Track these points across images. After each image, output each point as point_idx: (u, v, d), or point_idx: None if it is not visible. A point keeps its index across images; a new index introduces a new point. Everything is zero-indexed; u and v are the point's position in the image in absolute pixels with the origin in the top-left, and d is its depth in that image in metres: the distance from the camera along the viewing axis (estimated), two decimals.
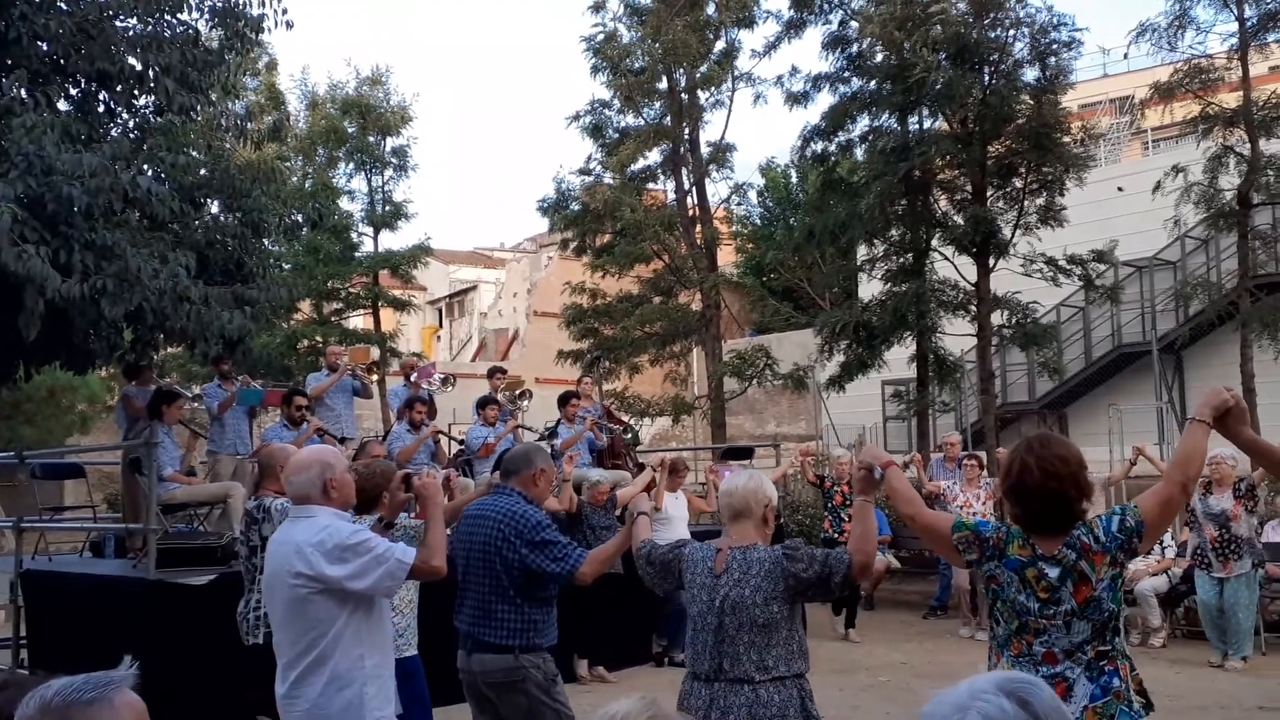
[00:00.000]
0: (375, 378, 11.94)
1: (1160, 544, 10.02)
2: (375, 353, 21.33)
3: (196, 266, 8.64)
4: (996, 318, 14.74)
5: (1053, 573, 2.91)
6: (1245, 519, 8.69)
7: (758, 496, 3.55)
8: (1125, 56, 20.91)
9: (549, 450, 9.84)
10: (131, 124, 10.70)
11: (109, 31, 9.91)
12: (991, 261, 14.37)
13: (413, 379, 10.94)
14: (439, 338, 43.17)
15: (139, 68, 10.06)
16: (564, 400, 10.68)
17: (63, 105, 10.01)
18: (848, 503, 10.40)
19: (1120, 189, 19.78)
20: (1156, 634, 9.53)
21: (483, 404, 10.47)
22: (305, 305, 21.66)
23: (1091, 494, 3.05)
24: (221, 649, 5.51)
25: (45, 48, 9.57)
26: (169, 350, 12.44)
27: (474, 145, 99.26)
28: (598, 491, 8.83)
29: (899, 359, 15.96)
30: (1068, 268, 14.61)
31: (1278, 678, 8.33)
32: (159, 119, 10.49)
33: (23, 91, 8.85)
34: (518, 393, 11.12)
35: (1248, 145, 13.97)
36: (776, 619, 3.37)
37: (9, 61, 9.52)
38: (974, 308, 14.54)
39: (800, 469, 11.32)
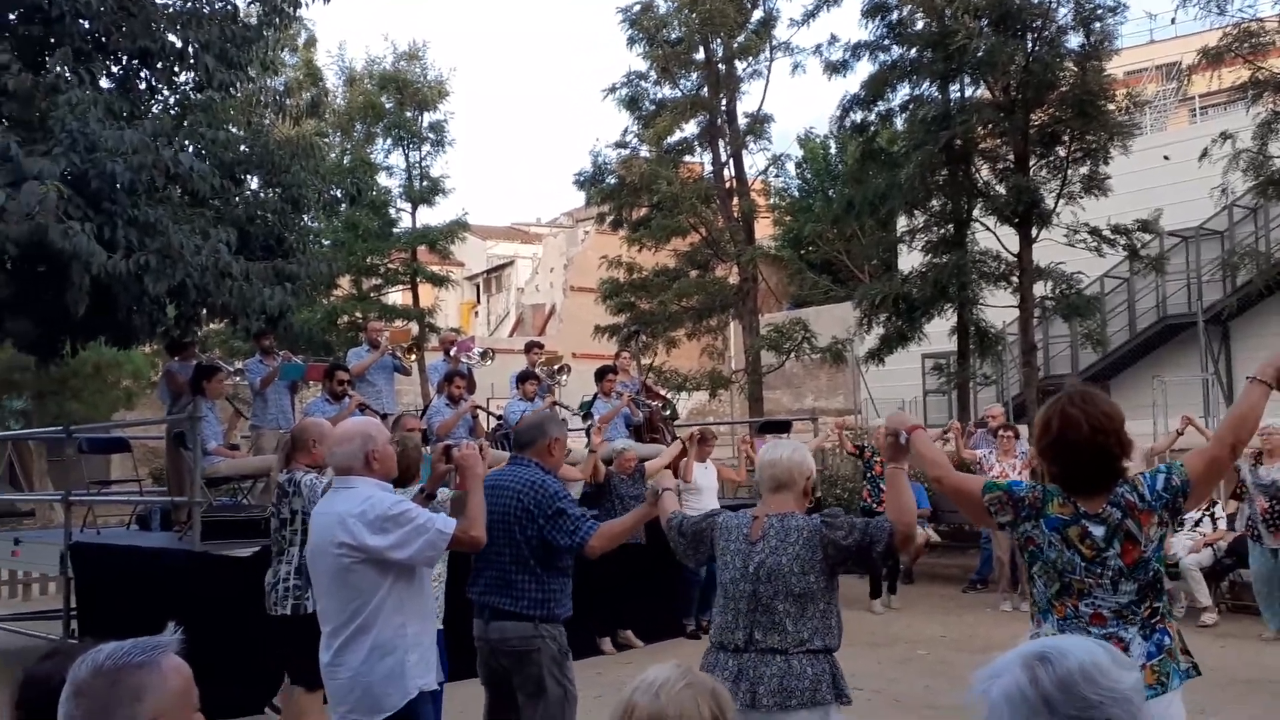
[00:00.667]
0: (414, 358, 12.00)
1: (1211, 516, 9.87)
2: (415, 329, 21.45)
3: (237, 242, 8.72)
4: (1039, 289, 14.55)
5: (1098, 531, 2.83)
6: None
7: (802, 469, 3.51)
8: (1173, 21, 20.41)
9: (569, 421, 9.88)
10: (172, 101, 10.81)
11: (149, 9, 10.00)
12: (1034, 232, 14.18)
13: (452, 353, 10.99)
14: (476, 313, 43.32)
15: (179, 45, 10.15)
16: (601, 375, 10.69)
17: (104, 83, 10.12)
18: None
19: (1166, 158, 19.39)
20: (1207, 612, 9.28)
21: (522, 379, 10.50)
22: (344, 281, 21.80)
23: (1132, 451, 2.95)
24: (265, 619, 5.58)
25: (87, 25, 9.66)
26: (211, 326, 12.59)
27: (510, 119, 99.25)
28: (624, 459, 8.84)
29: (939, 331, 15.81)
30: (1112, 238, 14.38)
31: None
32: (199, 95, 10.58)
33: (66, 70, 8.92)
34: (556, 368, 11.13)
35: None
36: (814, 589, 3.30)
37: (52, 40, 9.62)
38: (1016, 279, 14.36)
39: (838, 442, 11.27)
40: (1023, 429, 11.89)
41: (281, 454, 5.78)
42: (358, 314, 21.26)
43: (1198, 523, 9.86)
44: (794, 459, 3.52)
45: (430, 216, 23.59)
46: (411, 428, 6.74)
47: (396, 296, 24.71)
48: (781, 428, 11.99)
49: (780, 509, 3.45)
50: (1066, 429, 2.88)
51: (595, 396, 10.65)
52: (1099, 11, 13.59)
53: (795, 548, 3.32)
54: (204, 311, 9.52)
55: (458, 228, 23.18)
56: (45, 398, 17.83)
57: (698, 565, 3.73)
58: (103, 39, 10.11)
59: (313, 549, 3.70)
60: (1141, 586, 2.84)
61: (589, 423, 10.66)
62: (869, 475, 10.90)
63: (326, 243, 19.00)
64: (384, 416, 9.88)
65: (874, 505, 10.40)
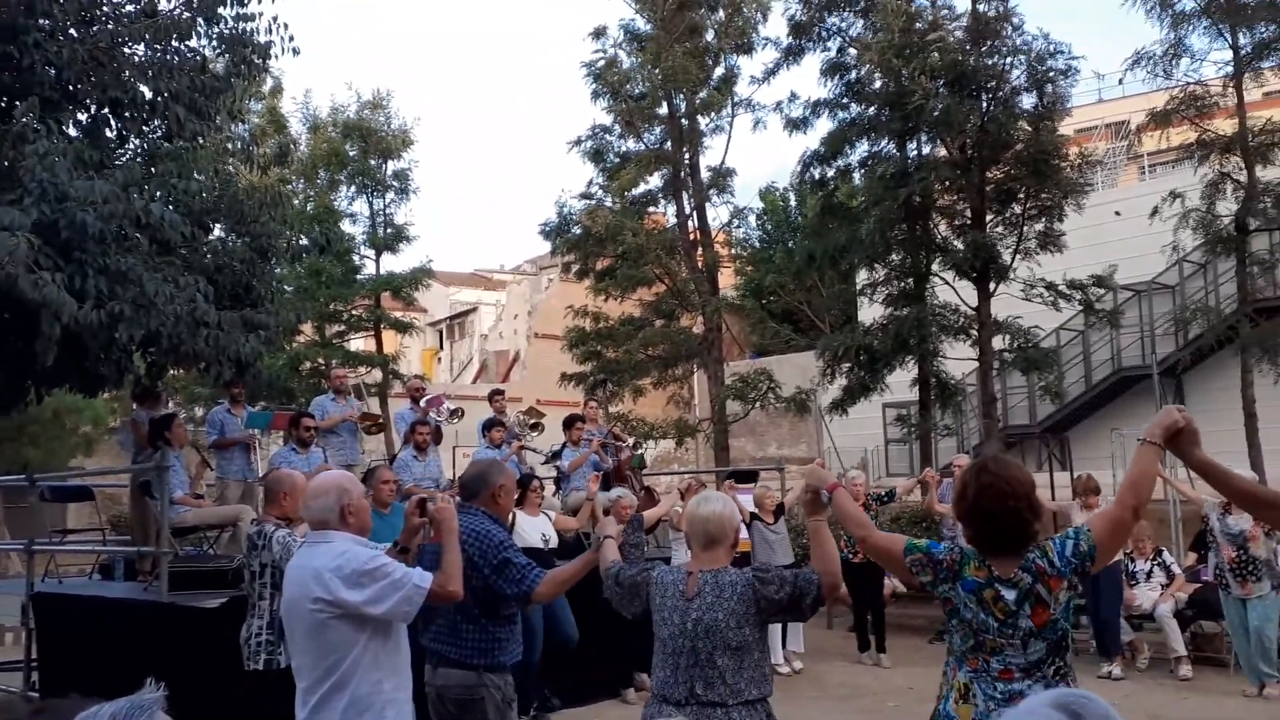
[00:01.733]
0: (378, 419, 12.02)
1: (1163, 565, 10.06)
2: (373, 406, 21.35)
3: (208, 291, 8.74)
4: (998, 342, 14.84)
5: (1010, 595, 2.94)
6: (1264, 541, 8.66)
7: (732, 522, 3.63)
8: (1120, 82, 21.12)
9: (541, 470, 9.97)
10: (141, 150, 10.80)
11: (120, 59, 10.01)
12: (992, 286, 14.49)
13: (421, 404, 11.02)
14: (439, 359, 43.21)
15: (149, 95, 10.16)
16: (569, 424, 10.76)
17: (72, 131, 10.11)
18: None
19: (1118, 213, 19.93)
20: (1183, 663, 9.34)
21: (488, 426, 10.56)
22: (307, 327, 21.75)
23: (1042, 515, 3.08)
24: (234, 671, 5.55)
25: (56, 75, 9.66)
26: (173, 373, 12.52)
27: (473, 167, 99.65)
28: (620, 507, 8.93)
29: (900, 382, 16.05)
30: (1068, 293, 14.73)
31: None
32: (168, 145, 10.58)
33: (34, 119, 8.92)
34: (531, 422, 11.18)
35: (1244, 171, 14.11)
36: (749, 641, 3.40)
37: (19, 88, 9.62)
38: (975, 332, 14.64)
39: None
40: None
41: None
42: (320, 360, 21.20)
43: (1149, 574, 10.04)
44: (724, 513, 3.62)
45: (394, 263, 23.69)
46: (386, 479, 6.77)
47: (359, 343, 24.66)
48: (749, 477, 12.10)
49: (713, 564, 3.53)
50: (980, 496, 3.00)
51: (564, 445, 10.71)
52: (1051, 74, 14.00)
53: (730, 603, 3.41)
54: (173, 360, 9.46)
55: (421, 274, 23.25)
56: (2, 444, 17.56)
57: (632, 616, 3.75)
58: (72, 88, 10.12)
59: (288, 604, 3.66)
60: (1050, 645, 2.95)
61: (558, 467, 10.73)
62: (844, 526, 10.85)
63: (289, 289, 18.95)
64: (350, 466, 9.92)
65: (850, 556, 10.47)
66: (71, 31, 9.97)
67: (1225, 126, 14.66)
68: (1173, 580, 9.96)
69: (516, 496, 8.62)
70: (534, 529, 8.24)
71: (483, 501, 4.30)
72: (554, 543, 8.54)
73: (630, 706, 8.47)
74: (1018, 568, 2.96)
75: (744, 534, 10.41)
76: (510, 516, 8.28)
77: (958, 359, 15.31)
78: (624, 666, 8.77)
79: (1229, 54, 14.25)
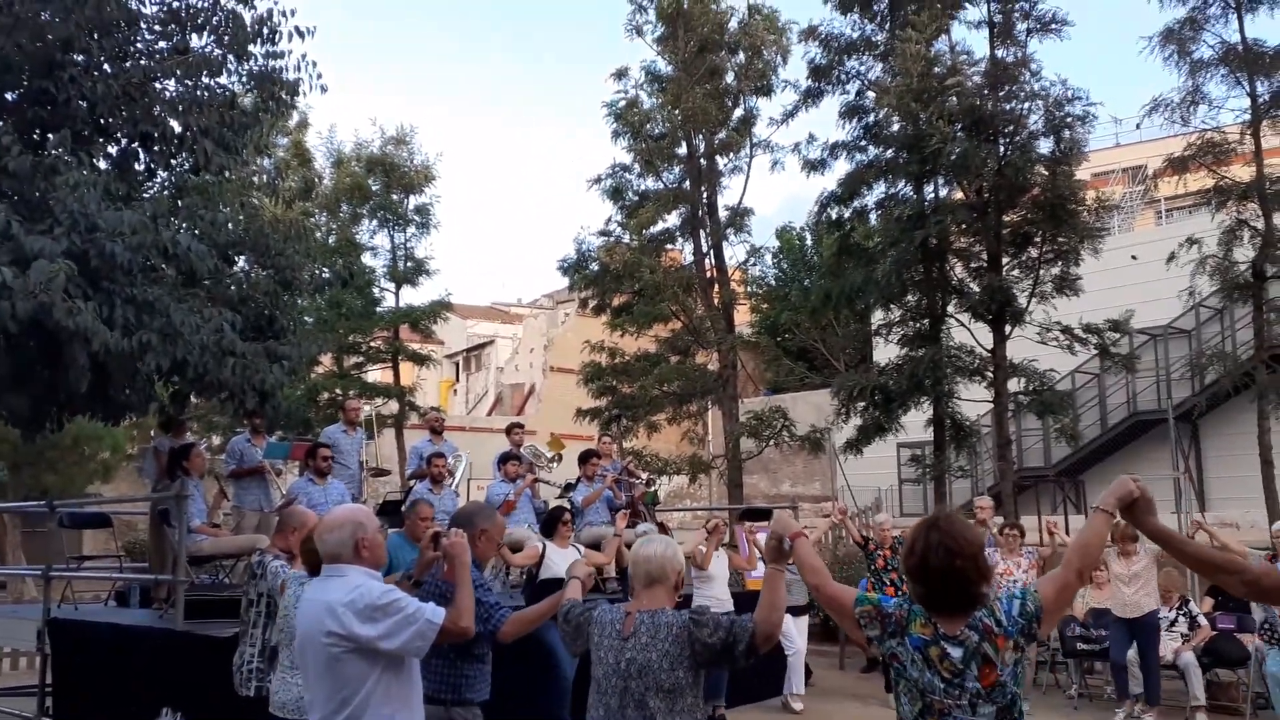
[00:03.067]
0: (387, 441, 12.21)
1: (1188, 614, 9.97)
2: (389, 437, 21.50)
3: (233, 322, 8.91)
4: (1013, 384, 14.83)
5: (956, 653, 2.92)
6: None
7: (674, 564, 3.66)
8: (1138, 127, 21.18)
9: (565, 507, 10.02)
10: (168, 182, 11.02)
11: (151, 94, 10.25)
12: (1008, 329, 14.51)
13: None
14: (455, 391, 43.38)
15: (178, 129, 10.39)
16: (584, 459, 10.82)
17: (102, 164, 10.33)
18: (889, 566, 10.24)
19: (1134, 257, 19.96)
20: (1201, 711, 9.31)
21: (503, 460, 10.61)
22: (325, 359, 21.92)
23: (991, 576, 3.05)
24: (248, 700, 5.60)
25: (90, 109, 9.90)
26: (195, 402, 12.69)
27: (493, 200, 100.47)
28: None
29: (915, 422, 16.05)
30: (1084, 336, 14.73)
31: None
32: (195, 178, 10.80)
33: (65, 151, 9.14)
34: (550, 455, 11.25)
35: (1261, 218, 14.13)
36: (682, 684, 3.40)
37: (54, 121, 9.86)
38: (990, 374, 14.65)
39: (841, 525, 11.18)
40: (1029, 524, 11.94)
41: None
42: (338, 391, 21.35)
43: (1173, 623, 9.96)
44: (667, 554, 3.65)
45: (413, 296, 23.87)
46: (425, 516, 6.82)
47: (377, 374, 24.82)
48: (763, 515, 12.09)
49: (652, 605, 3.56)
50: (927, 553, 2.99)
51: (579, 479, 10.76)
52: (1068, 119, 14.07)
53: (665, 644, 3.42)
54: (198, 389, 9.61)
55: (440, 307, 23.42)
56: (21, 469, 17.74)
57: (575, 655, 3.80)
58: (103, 122, 10.35)
59: (301, 638, 3.67)
60: (1000, 710, 2.91)
61: (572, 501, 10.78)
62: (872, 569, 10.68)
63: (309, 320, 19.16)
64: (358, 499, 10.01)
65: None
66: (106, 67, 10.23)
67: (1243, 173, 14.71)
68: (1197, 630, 9.86)
69: (532, 543, 8.72)
70: (564, 560, 8.27)
71: None
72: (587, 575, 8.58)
73: None
74: (964, 626, 2.94)
75: (758, 573, 10.47)
76: (541, 549, 8.38)
77: (973, 400, 15.31)
78: None
79: (1246, 101, 14.34)
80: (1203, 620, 9.99)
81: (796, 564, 3.41)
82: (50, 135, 9.71)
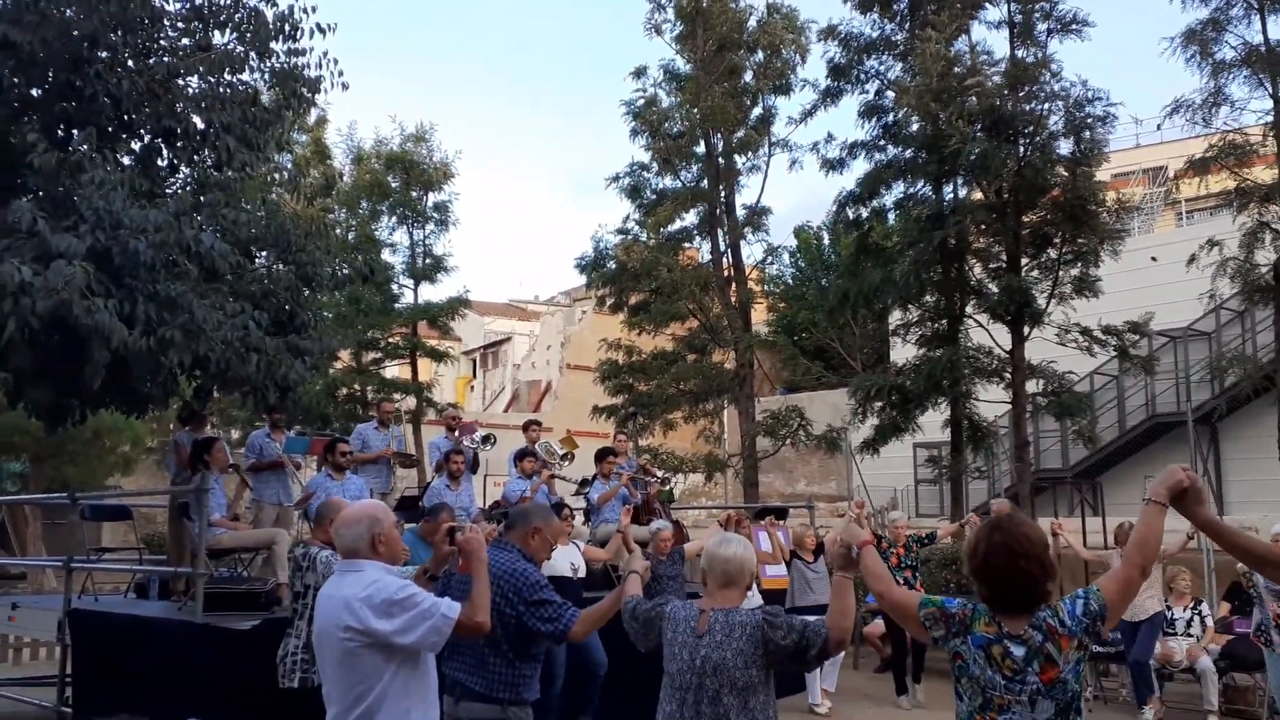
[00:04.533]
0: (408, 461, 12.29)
1: (1200, 615, 9.96)
2: (409, 433, 21.64)
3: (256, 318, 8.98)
4: (1031, 386, 14.79)
5: (1018, 651, 2.98)
6: None
7: (750, 565, 3.72)
8: (1159, 128, 21.08)
9: (576, 505, 10.06)
10: (191, 179, 11.10)
11: (175, 91, 10.32)
12: (1026, 330, 14.46)
13: (455, 432, 11.17)
14: (472, 388, 43.51)
15: (201, 126, 10.46)
16: (601, 456, 10.85)
17: (125, 160, 10.41)
18: (903, 565, 10.38)
19: (1154, 259, 19.85)
20: (1212, 715, 9.32)
21: (520, 456, 10.66)
22: (344, 354, 22.04)
23: (1056, 574, 3.13)
24: (266, 693, 5.67)
25: (114, 105, 9.98)
26: (216, 397, 12.80)
27: (510, 197, 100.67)
28: (661, 540, 9.01)
29: (932, 423, 16.02)
30: (1103, 338, 14.67)
31: None
32: (217, 174, 10.87)
33: (91, 148, 9.22)
34: (563, 452, 11.28)
35: None
36: (755, 682, 3.45)
37: (79, 117, 9.95)
38: (1008, 375, 14.61)
39: (857, 522, 11.23)
40: (1044, 525, 11.95)
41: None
42: (356, 386, 21.46)
43: (1189, 624, 9.94)
44: (745, 556, 3.71)
45: (432, 293, 23.98)
46: (445, 520, 6.86)
47: (395, 370, 24.95)
48: (778, 514, 12.11)
49: (726, 604, 3.62)
50: (991, 554, 3.06)
51: (595, 477, 10.79)
52: (1089, 120, 14.02)
53: (739, 643, 3.47)
54: (220, 384, 9.69)
55: (458, 304, 23.51)
56: (43, 461, 17.91)
57: (647, 650, 3.81)
58: (128, 118, 10.43)
59: (319, 631, 3.70)
60: (1060, 706, 2.97)
61: (584, 498, 10.83)
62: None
63: (329, 315, 19.27)
64: (384, 495, 10.08)
65: None
66: (130, 64, 10.30)
67: (1265, 175, 14.61)
68: (1205, 632, 9.86)
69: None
70: (563, 558, 8.31)
71: (517, 538, 4.37)
72: (582, 572, 8.61)
73: None
74: (1027, 625, 3.00)
75: (782, 571, 10.49)
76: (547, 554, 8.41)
77: (990, 401, 15.27)
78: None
79: (1269, 103, 14.22)
80: (1209, 622, 9.97)
81: (864, 572, 3.46)
82: (75, 132, 9.80)
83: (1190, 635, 9.85)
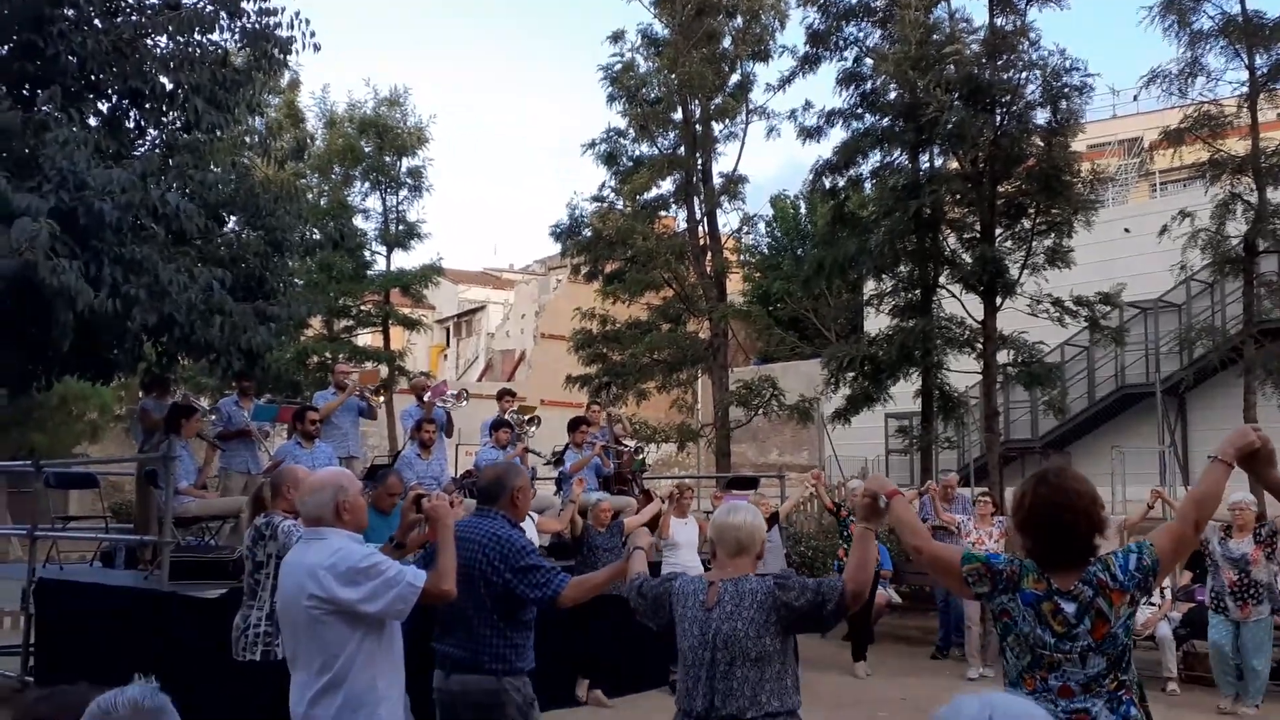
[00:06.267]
0: (382, 399, 12.08)
1: (1160, 585, 10.11)
2: (384, 371, 21.49)
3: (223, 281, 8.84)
4: (1002, 356, 14.85)
5: (1069, 608, 2.90)
6: (1265, 564, 8.71)
7: (760, 532, 3.60)
8: (1135, 99, 21.09)
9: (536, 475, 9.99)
10: (159, 141, 10.90)
11: (143, 51, 10.12)
12: (998, 300, 14.50)
13: (426, 398, 11.07)
14: (446, 356, 43.33)
15: (169, 86, 10.26)
16: (574, 426, 10.81)
17: (92, 121, 10.21)
18: None
19: (1127, 230, 19.94)
20: (1172, 681, 9.49)
21: (495, 426, 10.60)
22: (315, 322, 21.83)
23: (1105, 529, 3.02)
24: (232, 661, 5.61)
25: (80, 65, 9.77)
26: (182, 364, 12.65)
27: (485, 164, 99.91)
28: (600, 511, 8.97)
29: (904, 393, 16.08)
30: (1074, 309, 14.74)
31: None
32: (186, 136, 10.68)
33: (55, 108, 9.03)
34: (526, 418, 11.22)
35: (1255, 193, 14.11)
36: (769, 652, 3.33)
37: (42, 77, 9.73)
38: (980, 345, 14.66)
39: (815, 493, 11.34)
40: (994, 493, 12.11)
41: (252, 499, 5.84)
42: (327, 355, 21.29)
43: (1159, 592, 10.08)
44: (754, 523, 3.59)
45: (404, 260, 23.78)
46: (394, 491, 6.80)
47: (367, 338, 24.76)
48: (749, 484, 12.14)
49: (736, 573, 3.49)
50: (1037, 507, 2.97)
51: (567, 446, 10.76)
52: (1066, 90, 13.98)
53: (750, 611, 3.36)
54: (185, 349, 9.54)
55: (431, 272, 23.33)
56: (8, 428, 17.67)
57: (658, 628, 3.70)
58: (94, 78, 10.22)
59: (283, 601, 3.67)
60: (1111, 659, 2.91)
61: (560, 469, 10.79)
62: (844, 534, 10.92)
63: (299, 283, 19.07)
64: (350, 459, 9.98)
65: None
66: (96, 22, 10.09)
67: (1238, 147, 14.65)
68: (1164, 601, 10.00)
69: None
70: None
71: (502, 505, 4.26)
72: (536, 544, 8.59)
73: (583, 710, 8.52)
74: (1078, 580, 2.92)
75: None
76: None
77: (962, 372, 15.32)
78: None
79: (1245, 74, 14.25)
80: (1169, 592, 10.11)
81: (894, 524, 3.34)
82: (40, 91, 9.59)
83: (1151, 604, 9.98)
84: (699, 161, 18.71)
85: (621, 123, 18.95)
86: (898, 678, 10.21)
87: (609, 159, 19.05)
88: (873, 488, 3.39)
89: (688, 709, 3.41)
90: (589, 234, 18.97)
